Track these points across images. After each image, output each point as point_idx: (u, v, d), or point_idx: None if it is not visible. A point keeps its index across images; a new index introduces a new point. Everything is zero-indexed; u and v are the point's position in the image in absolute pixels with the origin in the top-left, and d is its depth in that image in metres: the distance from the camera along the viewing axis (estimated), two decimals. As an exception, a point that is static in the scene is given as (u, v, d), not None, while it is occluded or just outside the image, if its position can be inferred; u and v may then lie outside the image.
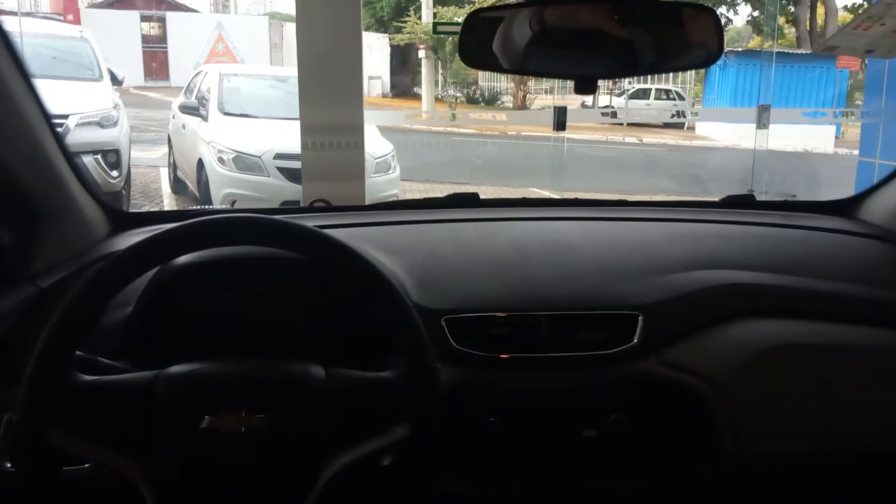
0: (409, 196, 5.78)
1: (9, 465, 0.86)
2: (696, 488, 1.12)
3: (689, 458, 1.12)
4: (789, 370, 1.16)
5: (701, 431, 1.12)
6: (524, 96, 15.64)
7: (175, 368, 0.90)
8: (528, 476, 1.10)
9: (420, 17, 14.70)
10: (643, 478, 1.11)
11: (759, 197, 1.60)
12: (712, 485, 1.12)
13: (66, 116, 4.74)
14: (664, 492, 1.12)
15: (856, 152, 6.10)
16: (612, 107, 12.21)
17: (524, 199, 1.66)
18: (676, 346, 1.15)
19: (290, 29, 14.63)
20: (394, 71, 17.22)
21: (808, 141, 10.46)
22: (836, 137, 11.64)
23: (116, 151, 5.14)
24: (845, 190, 1.64)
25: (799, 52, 12.51)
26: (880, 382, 1.18)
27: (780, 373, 1.16)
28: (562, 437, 1.10)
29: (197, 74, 6.88)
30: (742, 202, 1.55)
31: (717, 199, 1.59)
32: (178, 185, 6.51)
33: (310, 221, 0.94)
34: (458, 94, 17.13)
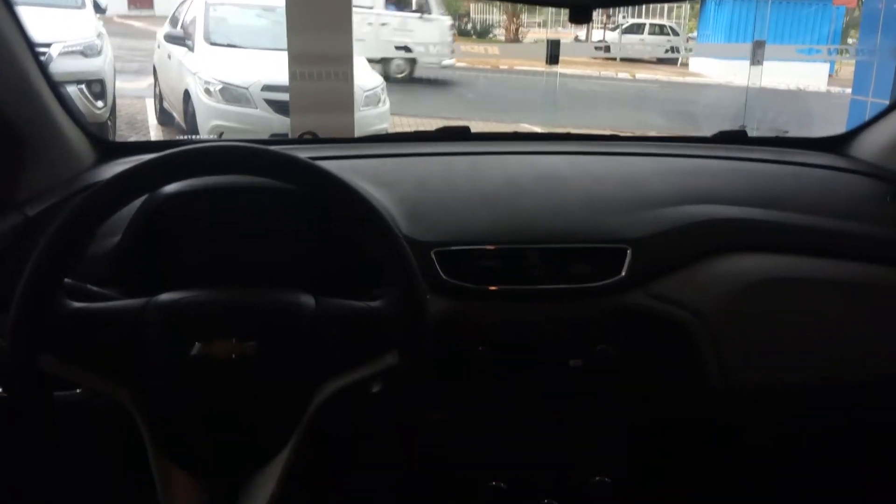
0: (399, 131, 5.73)
1: (0, 389, 0.87)
2: (680, 418, 1.15)
3: (674, 389, 1.15)
4: (776, 304, 1.18)
5: (686, 363, 1.14)
6: (517, 29, 15.36)
7: (165, 296, 0.90)
8: (515, 404, 1.12)
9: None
10: (627, 407, 1.13)
11: (751, 133, 1.60)
12: (696, 414, 1.14)
13: (48, 45, 4.63)
14: (648, 421, 1.14)
15: (849, 90, 6.06)
16: (606, 41, 12.04)
17: (515, 132, 1.65)
18: (664, 279, 1.16)
19: (278, -44, 14.21)
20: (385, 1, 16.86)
21: (802, 79, 10.37)
22: (830, 76, 11.55)
23: (101, 81, 5.05)
24: (837, 128, 1.63)
25: (796, -13, 12.31)
26: (867, 316, 1.20)
27: (766, 306, 1.17)
28: (548, 366, 1.12)
29: (182, 3, 6.71)
30: (734, 138, 1.54)
31: (708, 135, 1.59)
32: (164, 117, 6.42)
33: (298, 153, 0.93)
34: (449, 26, 16.82)
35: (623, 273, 1.14)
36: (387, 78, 6.68)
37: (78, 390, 1.03)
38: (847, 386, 1.17)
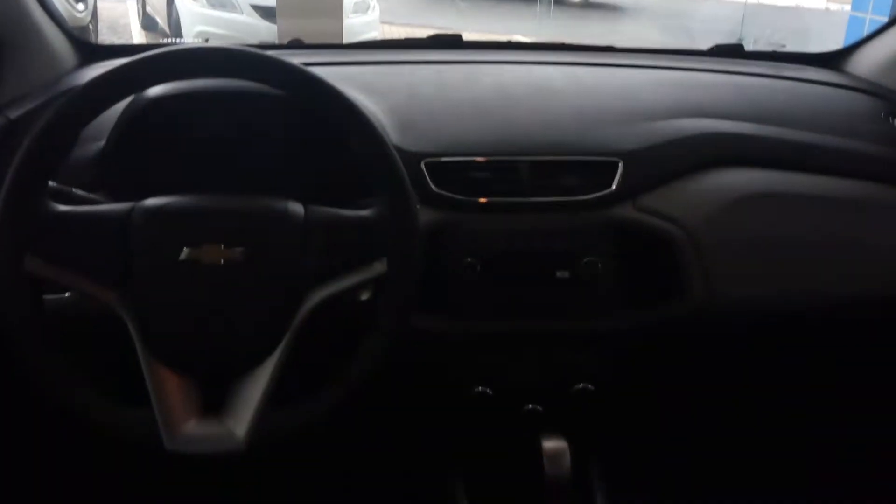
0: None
1: None
2: (663, 331, 1.17)
3: (659, 302, 1.16)
4: (765, 219, 1.18)
5: (672, 276, 1.15)
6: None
7: (151, 200, 0.90)
8: (501, 314, 1.14)
9: None
10: (612, 319, 1.15)
11: (748, 48, 1.57)
12: (679, 327, 1.16)
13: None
14: (632, 333, 1.16)
15: (847, 8, 5.95)
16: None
17: (509, 42, 1.61)
18: (654, 192, 1.16)
19: None
20: None
21: (801, -5, 10.15)
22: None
23: (81, -17, 4.88)
24: (834, 46, 1.60)
25: None
26: (857, 234, 1.21)
27: (755, 221, 1.18)
28: (535, 278, 1.13)
29: None
30: (730, 51, 1.52)
31: (704, 48, 1.56)
32: (147, 21, 6.24)
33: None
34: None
35: (613, 186, 1.14)
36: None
37: (67, 294, 1.04)
38: (834, 303, 1.19)
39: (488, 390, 1.19)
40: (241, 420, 0.88)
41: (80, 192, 0.99)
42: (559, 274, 1.13)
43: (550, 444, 1.05)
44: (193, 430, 0.88)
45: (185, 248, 0.87)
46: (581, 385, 1.19)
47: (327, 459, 1.71)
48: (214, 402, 0.91)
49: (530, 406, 1.21)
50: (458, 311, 1.13)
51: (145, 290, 0.87)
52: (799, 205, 1.20)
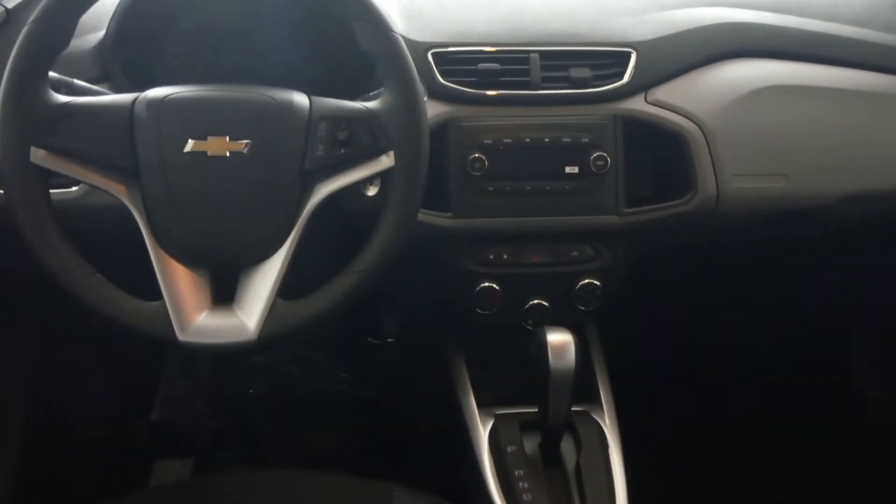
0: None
1: None
2: (671, 225, 1.16)
3: (668, 196, 1.15)
4: (780, 112, 1.16)
5: (682, 169, 1.14)
6: None
7: (154, 91, 0.88)
8: (508, 209, 1.13)
9: None
10: (620, 214, 1.14)
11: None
12: (688, 222, 1.16)
13: None
14: (640, 227, 1.16)
15: None
16: None
17: None
18: (667, 85, 1.13)
19: None
20: None
21: None
22: None
23: None
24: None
25: None
26: (871, 126, 1.19)
27: (769, 114, 1.15)
28: (543, 172, 1.12)
29: None
30: None
31: None
32: None
33: None
34: None
35: (626, 78, 1.11)
36: None
37: (75, 189, 1.04)
38: (843, 198, 1.18)
39: (494, 286, 1.20)
40: (252, 312, 0.89)
41: (81, 83, 0.98)
42: (568, 169, 1.12)
43: (555, 336, 1.06)
44: (205, 322, 0.89)
45: (189, 141, 0.86)
46: (587, 281, 1.20)
47: (334, 344, 1.76)
48: (226, 296, 0.92)
49: (535, 301, 1.22)
50: (463, 208, 1.13)
51: (152, 182, 0.87)
52: (815, 97, 1.17)
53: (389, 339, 1.82)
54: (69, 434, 1.56)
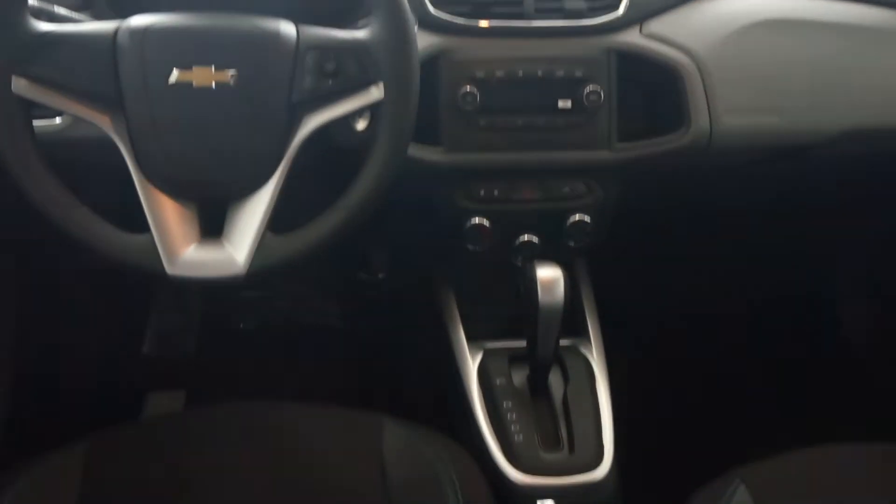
0: None
1: None
2: (664, 161, 1.16)
3: (661, 131, 1.14)
4: (776, 47, 1.14)
5: (675, 104, 1.13)
6: None
7: (136, 19, 0.86)
8: (500, 145, 1.12)
9: None
10: (612, 149, 1.13)
11: None
12: (681, 158, 1.15)
13: None
14: (632, 163, 1.15)
15: None
16: None
17: None
18: (663, 17, 1.11)
19: None
20: None
21: None
22: None
23: None
24: None
25: None
26: (868, 62, 1.17)
27: (765, 48, 1.14)
28: (536, 107, 1.11)
29: None
30: None
31: None
32: None
33: None
34: None
35: (620, 10, 1.09)
36: None
37: (59, 120, 1.02)
38: (836, 135, 1.17)
39: (485, 222, 1.19)
40: (241, 246, 0.88)
41: (62, 11, 0.95)
42: (561, 103, 1.10)
43: (545, 271, 1.06)
44: (194, 256, 0.89)
45: (174, 70, 0.84)
46: (578, 217, 1.20)
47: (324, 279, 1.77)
48: (214, 230, 0.91)
49: (526, 237, 1.22)
50: (455, 143, 1.12)
51: (136, 113, 0.85)
52: (812, 32, 1.15)
53: (380, 275, 1.82)
54: (60, 367, 1.57)
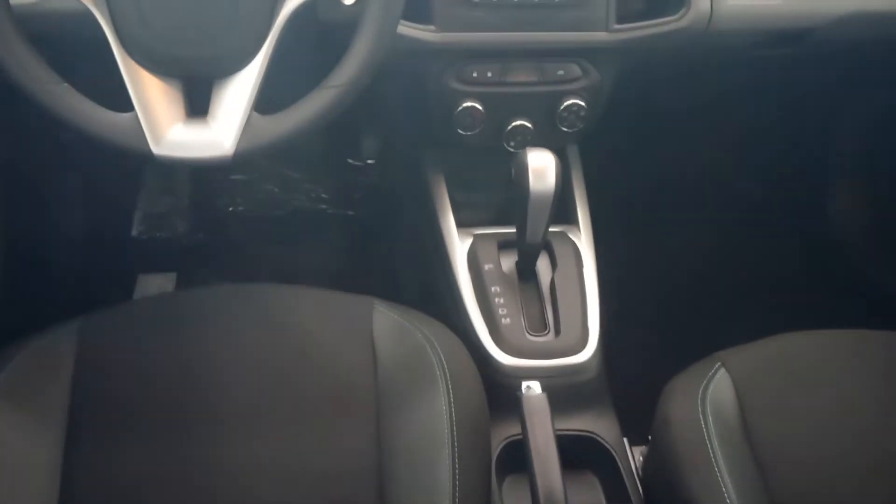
0: None
1: None
2: (662, 43, 1.13)
3: (660, 12, 1.11)
4: None
5: None
6: None
7: None
8: (494, 25, 1.09)
9: None
10: (610, 31, 1.10)
11: None
12: (679, 40, 1.12)
13: None
14: (630, 45, 1.12)
15: None
16: None
17: None
18: None
19: None
20: None
21: None
22: None
23: None
24: None
25: None
26: None
27: None
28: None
29: None
30: None
31: None
32: None
33: None
34: None
35: None
36: None
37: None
38: (836, 19, 1.14)
39: (477, 105, 1.17)
40: (227, 126, 0.86)
41: None
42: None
43: (537, 157, 1.05)
44: (180, 135, 0.87)
45: None
46: (572, 101, 1.18)
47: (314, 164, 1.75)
48: (200, 110, 0.89)
49: (518, 122, 1.20)
50: (447, 21, 1.08)
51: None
52: None
53: (369, 161, 1.81)
54: (50, 248, 1.57)
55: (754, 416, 0.92)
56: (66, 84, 0.84)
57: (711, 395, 0.93)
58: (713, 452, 0.88)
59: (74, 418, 0.89)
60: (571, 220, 1.27)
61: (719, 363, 0.97)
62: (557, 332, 1.13)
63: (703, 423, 0.91)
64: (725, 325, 1.31)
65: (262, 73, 0.86)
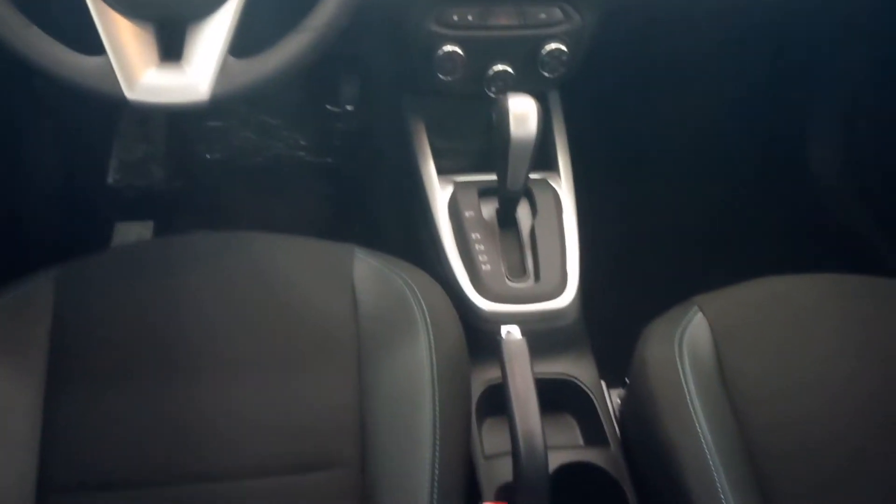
0: None
1: None
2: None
3: None
4: None
5: None
6: None
7: None
8: None
9: None
10: None
11: None
12: None
13: None
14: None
15: None
16: None
17: None
18: None
19: None
20: None
21: None
22: None
23: None
24: None
25: None
26: None
27: None
28: None
29: None
30: None
31: None
32: None
33: None
34: None
35: None
36: None
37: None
38: None
39: (458, 49, 1.15)
40: (202, 70, 0.85)
41: None
42: None
43: (518, 103, 1.04)
44: (153, 80, 0.85)
45: None
46: (554, 46, 1.16)
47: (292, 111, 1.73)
48: (174, 54, 0.87)
49: (500, 67, 1.19)
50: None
51: None
52: None
53: (348, 107, 1.78)
54: (25, 197, 1.55)
55: (730, 358, 0.94)
56: (35, 27, 0.82)
57: (688, 338, 0.95)
58: (689, 393, 0.90)
59: (54, 365, 0.89)
60: (552, 166, 1.27)
61: (696, 307, 0.98)
62: (537, 277, 1.14)
63: (679, 364, 0.92)
64: (705, 271, 1.32)
65: (238, 16, 0.84)
